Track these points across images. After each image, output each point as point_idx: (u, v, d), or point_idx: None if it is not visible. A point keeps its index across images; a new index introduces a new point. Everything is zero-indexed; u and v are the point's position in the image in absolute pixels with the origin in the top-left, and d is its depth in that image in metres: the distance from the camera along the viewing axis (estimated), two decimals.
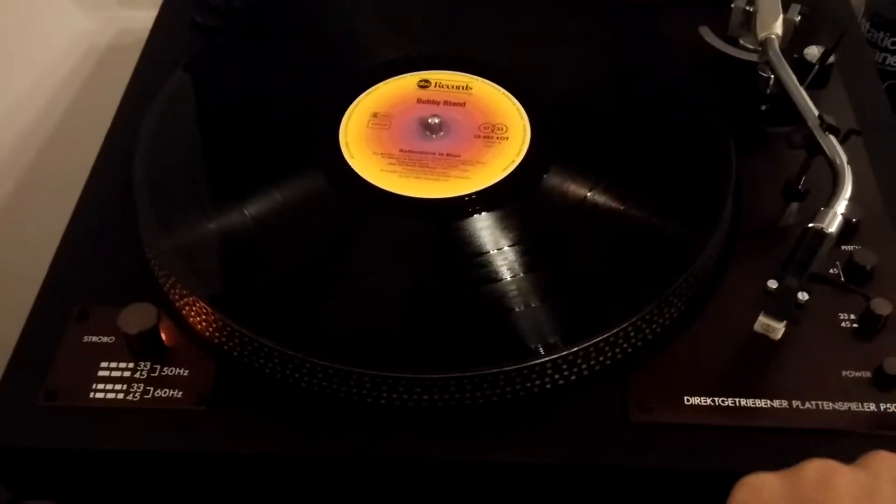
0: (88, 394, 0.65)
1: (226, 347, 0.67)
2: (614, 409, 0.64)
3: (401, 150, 0.76)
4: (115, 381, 0.65)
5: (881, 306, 0.66)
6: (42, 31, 1.09)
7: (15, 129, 1.08)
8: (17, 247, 1.02)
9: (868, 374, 0.64)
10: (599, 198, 0.72)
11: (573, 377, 0.64)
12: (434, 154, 0.76)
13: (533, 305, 0.65)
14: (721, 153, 0.75)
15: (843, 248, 0.70)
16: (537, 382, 0.64)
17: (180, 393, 0.65)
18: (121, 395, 0.65)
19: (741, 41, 0.85)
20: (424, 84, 0.82)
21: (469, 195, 0.72)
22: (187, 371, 0.66)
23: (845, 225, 0.66)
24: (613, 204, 0.72)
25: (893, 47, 0.97)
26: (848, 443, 0.61)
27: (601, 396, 0.64)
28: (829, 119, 0.71)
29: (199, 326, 0.67)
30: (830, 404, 0.63)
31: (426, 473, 0.65)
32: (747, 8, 0.84)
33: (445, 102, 0.80)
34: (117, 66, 0.93)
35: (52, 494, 0.67)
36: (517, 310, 0.65)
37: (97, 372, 0.66)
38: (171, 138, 0.78)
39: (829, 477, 0.50)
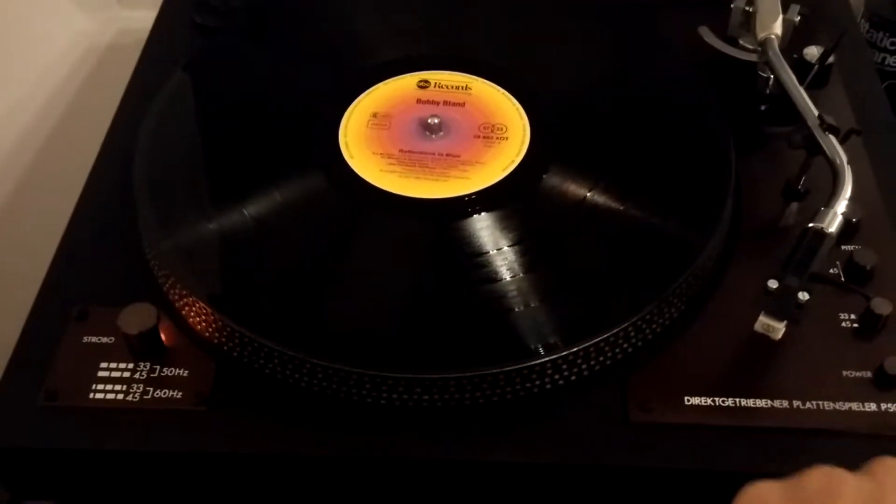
0: (88, 394, 0.65)
1: (226, 348, 0.66)
2: (614, 409, 0.64)
3: (400, 151, 0.76)
4: (115, 381, 0.65)
5: (881, 306, 0.66)
6: (42, 32, 1.09)
7: (15, 129, 1.08)
8: (17, 247, 1.02)
9: (868, 374, 0.64)
10: (599, 198, 0.72)
11: (573, 377, 0.64)
12: (434, 154, 0.76)
13: (533, 305, 0.65)
14: (721, 153, 0.75)
15: (843, 247, 0.70)
16: (537, 382, 0.64)
17: (180, 393, 0.65)
18: (121, 396, 0.64)
19: (741, 41, 0.85)
20: (424, 84, 0.82)
21: (469, 195, 0.72)
22: (187, 371, 0.66)
23: (845, 225, 0.66)
24: (613, 204, 0.72)
25: (892, 47, 0.97)
26: (848, 443, 0.61)
27: (601, 396, 0.64)
28: (829, 119, 0.71)
29: (199, 327, 0.67)
30: (831, 404, 0.63)
31: (426, 473, 0.64)
32: (747, 8, 0.84)
33: (445, 102, 0.80)
34: (117, 67, 0.93)
35: (52, 495, 0.67)
36: (517, 310, 0.65)
37: (97, 372, 0.66)
38: (170, 138, 0.78)
39: (834, 485, 0.49)
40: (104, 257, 0.73)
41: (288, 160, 0.76)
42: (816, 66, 0.80)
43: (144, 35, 0.94)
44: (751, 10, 0.83)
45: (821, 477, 0.50)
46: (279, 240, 0.71)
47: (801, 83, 0.76)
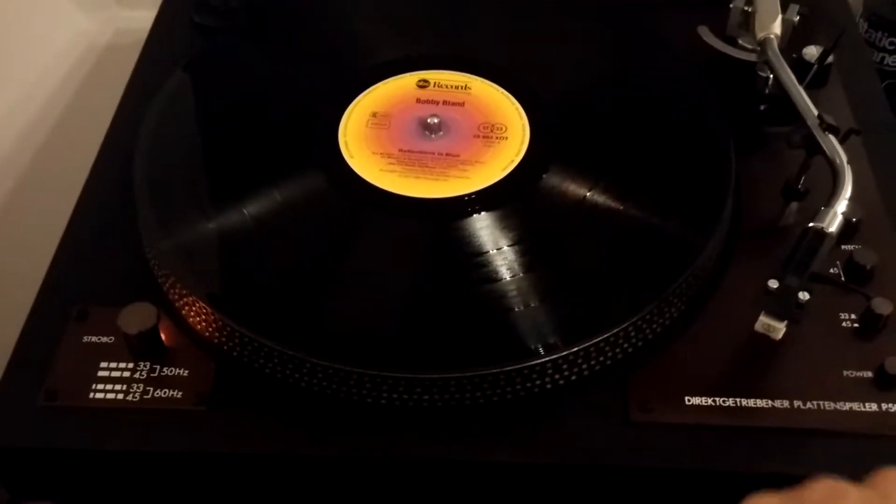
0: (88, 394, 0.65)
1: (226, 347, 0.66)
2: (615, 409, 0.64)
3: (400, 150, 0.76)
4: (114, 381, 0.65)
5: (882, 306, 0.66)
6: (41, 31, 1.09)
7: (14, 129, 1.08)
8: (17, 247, 1.02)
9: (869, 373, 0.64)
10: (599, 198, 0.72)
11: (573, 377, 0.64)
12: (433, 154, 0.76)
13: (533, 305, 0.65)
14: (721, 153, 0.75)
15: (843, 247, 0.70)
16: (537, 382, 0.64)
17: (180, 393, 0.65)
18: (121, 396, 0.64)
19: (740, 41, 0.85)
20: (423, 84, 0.82)
21: (468, 195, 0.72)
22: (187, 371, 0.66)
23: (845, 224, 0.66)
24: (613, 204, 0.71)
25: (891, 47, 0.97)
26: (849, 443, 0.61)
27: (601, 396, 0.64)
28: (829, 119, 0.71)
29: (199, 326, 0.67)
30: (831, 404, 0.63)
31: (426, 473, 0.64)
32: (746, 8, 0.84)
33: (444, 102, 0.80)
34: (116, 66, 0.93)
35: (52, 495, 0.67)
36: (517, 310, 0.65)
37: (97, 372, 0.66)
38: (170, 138, 0.78)
39: (836, 498, 0.48)
40: (104, 257, 0.73)
41: (287, 160, 0.75)
42: (816, 66, 0.80)
43: (144, 35, 0.94)
44: (750, 9, 0.83)
45: (823, 489, 0.49)
46: (279, 239, 0.71)
47: (800, 83, 0.76)
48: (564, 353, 0.63)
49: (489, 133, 0.77)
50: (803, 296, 0.61)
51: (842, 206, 0.66)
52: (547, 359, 0.63)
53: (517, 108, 0.79)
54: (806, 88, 0.75)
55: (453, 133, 0.77)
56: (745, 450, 0.62)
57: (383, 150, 0.76)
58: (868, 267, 0.69)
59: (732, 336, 0.67)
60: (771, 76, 0.80)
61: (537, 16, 0.89)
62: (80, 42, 1.11)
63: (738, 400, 0.63)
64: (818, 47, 0.82)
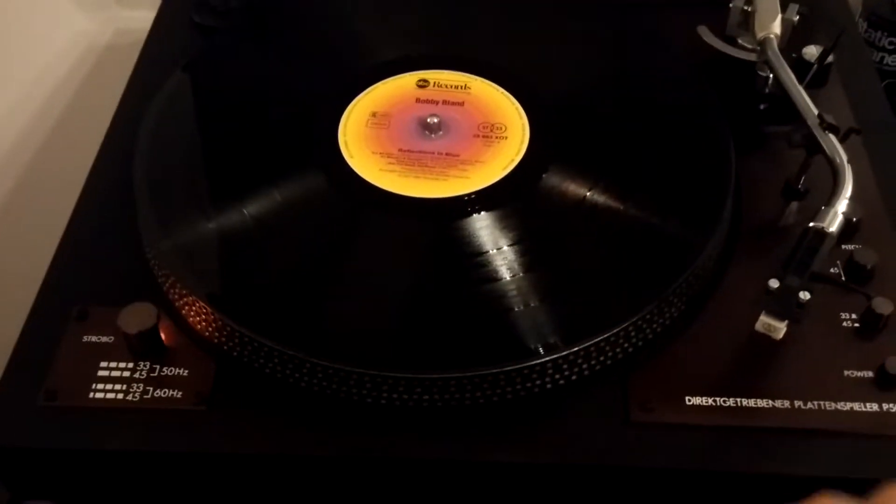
0: (88, 394, 0.65)
1: (226, 347, 0.66)
2: (615, 409, 0.63)
3: (400, 150, 0.76)
4: (114, 381, 0.65)
5: (882, 305, 0.66)
6: (40, 31, 1.08)
7: (14, 129, 1.08)
8: (17, 247, 1.02)
9: (870, 373, 0.64)
10: (599, 197, 0.72)
11: (574, 377, 0.64)
12: (433, 153, 0.76)
13: (533, 305, 0.65)
14: (721, 153, 0.75)
15: (843, 247, 0.70)
16: (537, 382, 0.64)
17: (180, 393, 0.64)
18: (121, 395, 0.64)
19: (739, 41, 0.85)
20: (423, 84, 0.82)
21: (468, 195, 0.72)
22: (187, 371, 0.66)
23: (846, 224, 0.65)
24: (613, 204, 0.71)
25: (891, 47, 0.97)
26: (850, 443, 0.61)
27: (602, 396, 0.64)
28: (829, 118, 0.71)
29: (199, 326, 0.67)
30: (832, 404, 0.63)
31: (426, 473, 0.64)
32: (745, 8, 0.84)
33: (444, 102, 0.80)
34: (116, 66, 0.93)
35: (52, 495, 0.67)
36: (517, 309, 0.65)
37: (97, 372, 0.66)
38: (170, 138, 0.78)
39: None
40: (104, 257, 0.73)
41: (287, 160, 0.75)
42: (815, 66, 0.80)
43: (143, 35, 0.94)
44: (749, 9, 0.83)
45: None
46: (279, 239, 0.70)
47: (800, 82, 0.76)
48: (564, 352, 0.63)
49: (489, 133, 0.77)
50: (804, 295, 0.61)
51: (842, 205, 0.66)
52: (547, 359, 0.63)
53: (517, 108, 0.79)
54: (806, 88, 0.75)
55: (453, 133, 0.77)
56: (746, 450, 0.61)
57: (383, 149, 0.76)
58: (868, 266, 0.69)
59: (733, 336, 0.67)
60: (771, 76, 0.80)
61: (537, 16, 0.89)
62: (79, 42, 1.11)
63: (738, 400, 0.63)
64: (818, 47, 0.82)
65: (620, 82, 0.84)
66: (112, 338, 0.67)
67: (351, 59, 0.85)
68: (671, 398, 0.63)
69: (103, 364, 0.66)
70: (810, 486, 0.60)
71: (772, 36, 0.80)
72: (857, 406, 0.63)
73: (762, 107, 0.82)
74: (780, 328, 0.65)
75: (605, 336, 0.64)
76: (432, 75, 0.82)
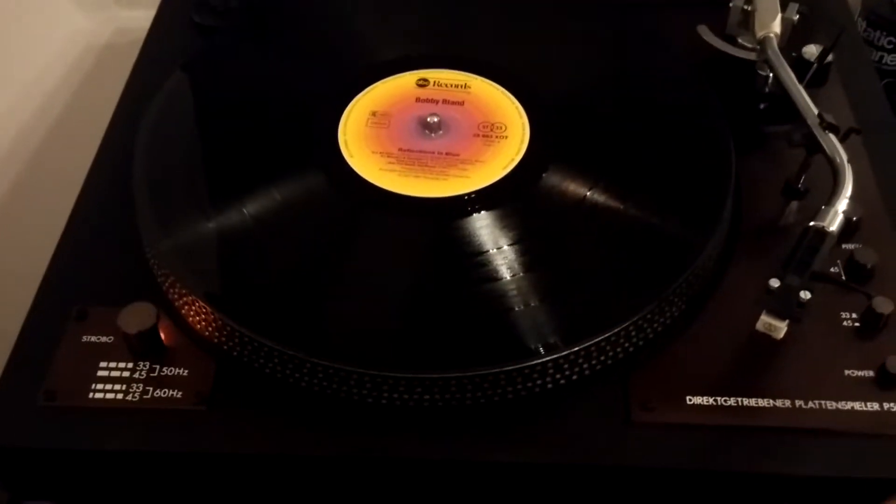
0: (88, 394, 0.64)
1: (225, 347, 0.66)
2: (616, 408, 0.63)
3: (400, 149, 0.76)
4: (114, 381, 0.65)
5: (883, 305, 0.66)
6: (40, 31, 1.08)
7: (13, 129, 1.08)
8: (16, 246, 1.02)
9: (870, 373, 0.64)
10: (599, 197, 0.72)
11: (574, 377, 0.64)
12: (433, 153, 0.76)
13: (533, 305, 0.65)
14: (721, 153, 0.75)
15: (843, 246, 0.70)
16: (538, 382, 0.64)
17: (180, 393, 0.64)
18: (120, 395, 0.64)
19: (739, 40, 0.85)
20: (423, 83, 0.82)
21: (468, 194, 0.72)
22: (187, 371, 0.66)
23: (846, 223, 0.66)
24: (613, 203, 0.71)
25: (890, 46, 0.97)
26: (850, 442, 0.61)
27: (602, 396, 0.64)
28: (829, 117, 0.71)
29: (199, 326, 0.67)
30: (833, 403, 0.63)
31: (426, 473, 0.64)
32: (745, 7, 0.84)
33: (444, 101, 0.80)
34: (115, 66, 0.93)
35: (52, 495, 0.67)
36: (517, 309, 0.65)
37: (96, 372, 0.65)
38: (170, 138, 0.78)
39: None
40: (103, 257, 0.73)
41: (287, 159, 0.75)
42: (815, 65, 0.80)
43: (142, 34, 0.94)
44: (749, 8, 0.83)
45: None
46: (279, 239, 0.70)
47: (800, 81, 0.76)
48: (565, 352, 0.63)
49: (489, 132, 0.77)
50: (805, 295, 0.61)
51: (842, 204, 0.66)
52: (547, 358, 0.63)
53: (517, 108, 0.79)
54: (806, 87, 0.75)
55: (453, 132, 0.77)
56: (747, 449, 0.61)
57: (383, 149, 0.76)
58: (869, 266, 0.69)
59: (733, 335, 0.67)
60: (771, 75, 0.80)
61: (537, 15, 0.89)
62: (79, 41, 1.11)
63: (739, 399, 0.63)
64: (818, 46, 0.82)
65: (620, 82, 0.84)
66: (112, 338, 0.67)
67: (351, 59, 0.84)
68: (672, 398, 0.63)
69: (103, 364, 0.66)
70: (811, 486, 0.61)
71: (772, 35, 0.80)
72: (857, 405, 0.63)
73: (762, 106, 0.82)
74: (780, 328, 0.65)
75: (606, 336, 0.64)
76: (432, 74, 0.82)
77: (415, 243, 0.71)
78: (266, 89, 0.83)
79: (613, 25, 0.89)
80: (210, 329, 0.66)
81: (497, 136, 0.77)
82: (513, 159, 0.75)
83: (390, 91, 0.81)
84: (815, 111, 0.72)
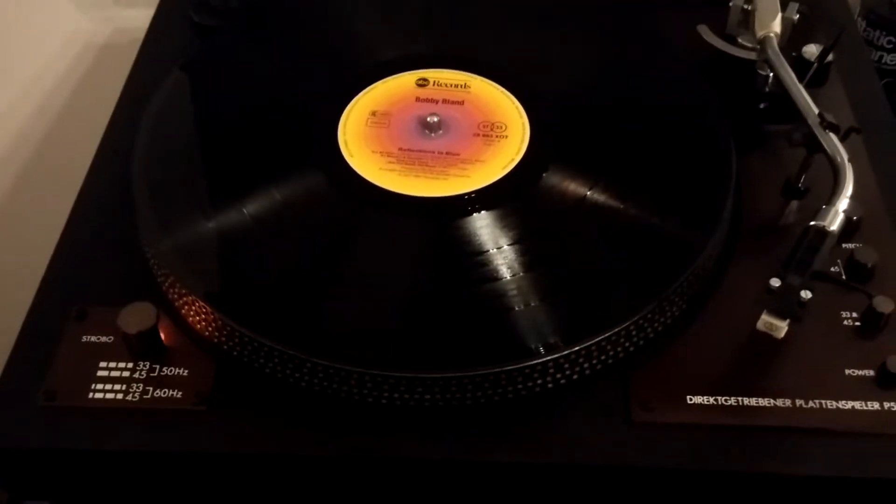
0: (88, 394, 0.64)
1: (225, 347, 0.66)
2: (616, 408, 0.63)
3: (400, 149, 0.76)
4: (114, 381, 0.65)
5: (883, 304, 0.66)
6: (39, 30, 1.08)
7: (12, 128, 1.08)
8: (15, 246, 1.02)
9: (871, 372, 0.64)
10: (599, 197, 0.72)
11: (574, 376, 0.64)
12: (433, 152, 0.76)
13: (533, 304, 0.65)
14: (721, 153, 0.75)
15: (844, 246, 0.70)
16: (538, 382, 0.64)
17: (180, 393, 0.64)
18: (120, 395, 0.64)
19: (739, 40, 0.85)
20: (423, 82, 0.82)
21: (468, 194, 0.72)
22: (187, 371, 0.65)
23: (846, 223, 0.66)
24: (613, 203, 0.71)
25: (889, 46, 0.97)
26: (851, 442, 0.61)
27: (603, 396, 0.64)
28: (829, 117, 0.71)
29: (199, 326, 0.67)
30: (833, 403, 0.63)
31: (426, 473, 0.64)
32: (745, 6, 0.84)
33: (444, 101, 0.80)
34: (115, 65, 0.93)
35: (52, 495, 0.67)
36: (517, 309, 0.65)
37: (96, 372, 0.65)
38: (169, 137, 0.78)
39: None
40: (103, 257, 0.73)
41: (287, 159, 0.75)
42: (815, 64, 0.80)
43: (141, 34, 0.94)
44: (749, 8, 0.83)
45: None
46: (278, 239, 0.70)
47: (800, 81, 0.76)
48: (565, 352, 0.63)
49: (489, 132, 0.77)
50: (805, 294, 0.61)
51: (843, 204, 0.66)
52: (548, 358, 0.63)
53: (517, 107, 0.79)
54: (806, 87, 0.75)
55: (453, 132, 0.77)
56: (747, 449, 0.61)
57: (383, 148, 0.76)
58: (869, 265, 0.69)
59: (734, 335, 0.67)
60: (771, 74, 0.80)
61: (537, 15, 0.89)
62: (77, 41, 1.11)
63: (739, 399, 0.63)
64: (818, 45, 0.82)
65: (620, 82, 0.83)
66: (111, 338, 0.67)
67: (350, 59, 0.84)
68: (672, 397, 0.63)
69: (103, 364, 0.66)
70: (811, 486, 0.60)
71: (772, 35, 0.80)
72: (858, 405, 0.63)
73: (762, 106, 0.82)
74: (781, 327, 0.65)
75: (606, 335, 0.64)
76: (432, 74, 0.82)
77: (415, 243, 0.71)
78: (266, 89, 0.83)
79: (613, 25, 0.89)
80: (210, 329, 0.66)
81: (497, 136, 0.76)
82: (513, 159, 0.75)
83: (390, 91, 0.81)
84: (816, 110, 0.72)
